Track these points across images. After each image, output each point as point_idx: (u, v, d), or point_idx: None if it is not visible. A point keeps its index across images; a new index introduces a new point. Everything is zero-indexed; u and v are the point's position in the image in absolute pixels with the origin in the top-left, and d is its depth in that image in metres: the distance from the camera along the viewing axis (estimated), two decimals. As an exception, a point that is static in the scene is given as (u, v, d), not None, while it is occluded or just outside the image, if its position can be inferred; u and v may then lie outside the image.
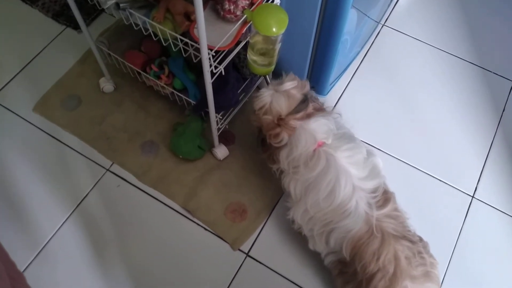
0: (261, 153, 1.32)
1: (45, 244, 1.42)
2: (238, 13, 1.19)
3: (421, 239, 1.18)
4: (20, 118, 1.65)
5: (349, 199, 1.11)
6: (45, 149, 1.59)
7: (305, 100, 1.21)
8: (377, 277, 1.07)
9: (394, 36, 1.89)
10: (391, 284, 1.06)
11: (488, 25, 1.93)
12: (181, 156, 1.54)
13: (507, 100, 1.73)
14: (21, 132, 1.62)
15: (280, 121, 1.19)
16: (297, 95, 1.22)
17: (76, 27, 1.86)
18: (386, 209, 1.12)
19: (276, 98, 1.21)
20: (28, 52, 1.80)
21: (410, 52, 1.85)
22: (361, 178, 1.13)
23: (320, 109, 1.24)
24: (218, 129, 1.47)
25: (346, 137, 1.18)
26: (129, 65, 1.51)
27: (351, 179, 1.12)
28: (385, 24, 1.92)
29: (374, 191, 1.13)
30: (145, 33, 1.28)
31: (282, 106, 1.20)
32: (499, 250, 1.44)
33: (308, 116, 1.19)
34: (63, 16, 1.89)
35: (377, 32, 1.90)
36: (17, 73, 1.75)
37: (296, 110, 1.20)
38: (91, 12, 1.89)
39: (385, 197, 1.14)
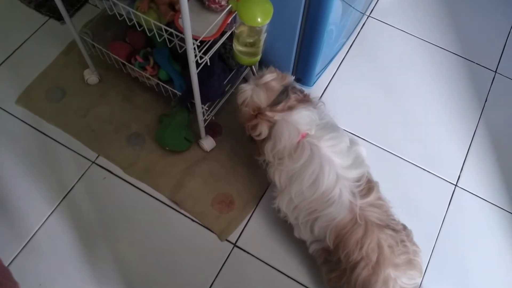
0: (250, 146, 1.33)
1: (31, 237, 1.41)
2: (223, 3, 1.18)
3: (404, 228, 1.20)
4: (3, 110, 1.63)
5: (332, 187, 1.12)
6: (29, 142, 1.57)
7: (284, 91, 1.22)
8: (360, 265, 1.09)
9: (379, 27, 1.91)
10: (374, 272, 1.08)
11: (471, 17, 1.95)
12: (167, 148, 1.54)
13: (489, 90, 1.76)
14: (4, 125, 1.60)
15: (257, 113, 1.20)
16: (277, 87, 1.23)
17: (59, 18, 1.83)
18: (370, 198, 1.13)
19: (256, 91, 1.22)
20: (10, 44, 1.77)
21: (395, 43, 1.87)
22: (345, 167, 1.14)
23: (303, 101, 1.24)
24: (205, 120, 1.46)
25: (329, 127, 1.19)
26: (114, 56, 1.50)
27: (334, 168, 1.13)
28: (370, 15, 1.93)
29: (358, 180, 1.15)
30: (129, 24, 1.26)
31: (261, 98, 1.21)
32: (482, 237, 1.47)
33: (290, 108, 1.20)
34: (45, 6, 1.86)
35: (363, 23, 1.91)
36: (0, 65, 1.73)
37: (275, 102, 1.21)
38: (75, 3, 1.87)
39: (368, 186, 1.15)
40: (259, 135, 1.21)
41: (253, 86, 1.23)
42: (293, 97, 1.21)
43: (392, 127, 1.66)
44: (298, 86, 1.30)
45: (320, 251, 1.22)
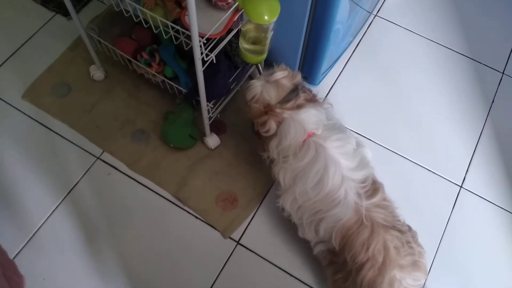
0: (256, 140, 1.33)
1: (35, 232, 1.41)
2: (230, 0, 1.18)
3: (410, 229, 1.20)
4: (9, 105, 1.63)
5: (338, 188, 1.12)
6: (34, 137, 1.58)
7: (294, 90, 1.21)
8: (366, 266, 1.08)
9: (386, 26, 1.89)
10: (380, 273, 1.07)
11: (479, 17, 1.94)
12: (172, 145, 1.54)
13: (496, 92, 1.75)
14: (10, 120, 1.60)
15: (267, 109, 1.20)
16: (287, 85, 1.23)
17: (66, 13, 1.83)
18: (376, 199, 1.13)
19: (266, 88, 1.21)
20: (17, 39, 1.78)
21: (401, 43, 1.86)
22: (351, 168, 1.14)
23: (312, 100, 1.24)
24: (210, 118, 1.46)
25: (336, 128, 1.19)
26: (120, 52, 1.50)
27: (340, 169, 1.13)
28: (377, 14, 1.92)
29: (364, 181, 1.14)
30: (135, 20, 1.26)
31: (271, 95, 1.21)
32: (486, 239, 1.47)
33: (299, 107, 1.20)
34: (52, 2, 1.86)
35: (370, 22, 1.90)
36: (6, 60, 1.73)
37: (285, 100, 1.21)
38: (81, -1, 1.87)
39: (374, 187, 1.15)
40: (267, 131, 1.21)
41: (263, 82, 1.23)
42: (302, 96, 1.21)
43: (397, 127, 1.66)
44: (307, 85, 1.30)
45: (325, 252, 1.22)
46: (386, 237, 1.09)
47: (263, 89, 1.22)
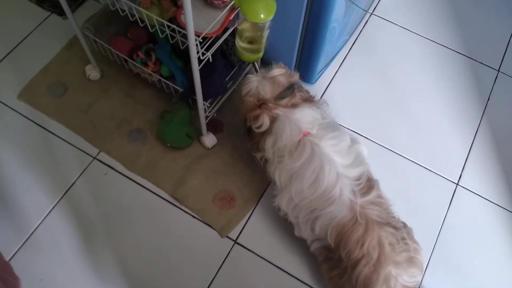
0: (248, 141, 1.33)
1: (32, 233, 1.41)
2: (226, -1, 1.18)
3: (405, 225, 1.21)
4: (5, 105, 1.63)
5: (333, 186, 1.12)
6: (30, 137, 1.57)
7: (290, 87, 1.22)
8: (361, 263, 1.09)
9: (382, 25, 1.90)
10: (375, 270, 1.08)
11: (475, 16, 1.95)
12: (168, 144, 1.54)
13: (492, 89, 1.76)
14: (6, 120, 1.60)
15: (261, 103, 1.20)
16: (283, 82, 1.23)
17: (61, 13, 1.82)
18: (370, 196, 1.13)
19: (262, 83, 1.22)
20: (12, 39, 1.77)
21: (397, 41, 1.86)
22: (346, 166, 1.14)
23: (307, 100, 1.24)
24: (206, 117, 1.46)
25: (330, 126, 1.19)
26: (116, 52, 1.50)
27: (335, 167, 1.13)
28: (373, 13, 1.93)
29: (358, 178, 1.14)
30: (131, 19, 1.26)
31: (266, 90, 1.21)
32: (482, 236, 1.47)
33: (294, 105, 1.20)
34: (48, 1, 1.85)
35: (365, 20, 1.90)
36: (1, 60, 1.72)
37: (280, 96, 1.20)
38: (77, -2, 1.86)
39: (369, 184, 1.15)
40: (259, 127, 1.21)
41: (260, 77, 1.24)
42: (298, 95, 1.21)
43: (394, 125, 1.66)
44: (304, 85, 1.30)
45: (321, 249, 1.22)
46: (381, 233, 1.09)
47: (258, 84, 1.22)
